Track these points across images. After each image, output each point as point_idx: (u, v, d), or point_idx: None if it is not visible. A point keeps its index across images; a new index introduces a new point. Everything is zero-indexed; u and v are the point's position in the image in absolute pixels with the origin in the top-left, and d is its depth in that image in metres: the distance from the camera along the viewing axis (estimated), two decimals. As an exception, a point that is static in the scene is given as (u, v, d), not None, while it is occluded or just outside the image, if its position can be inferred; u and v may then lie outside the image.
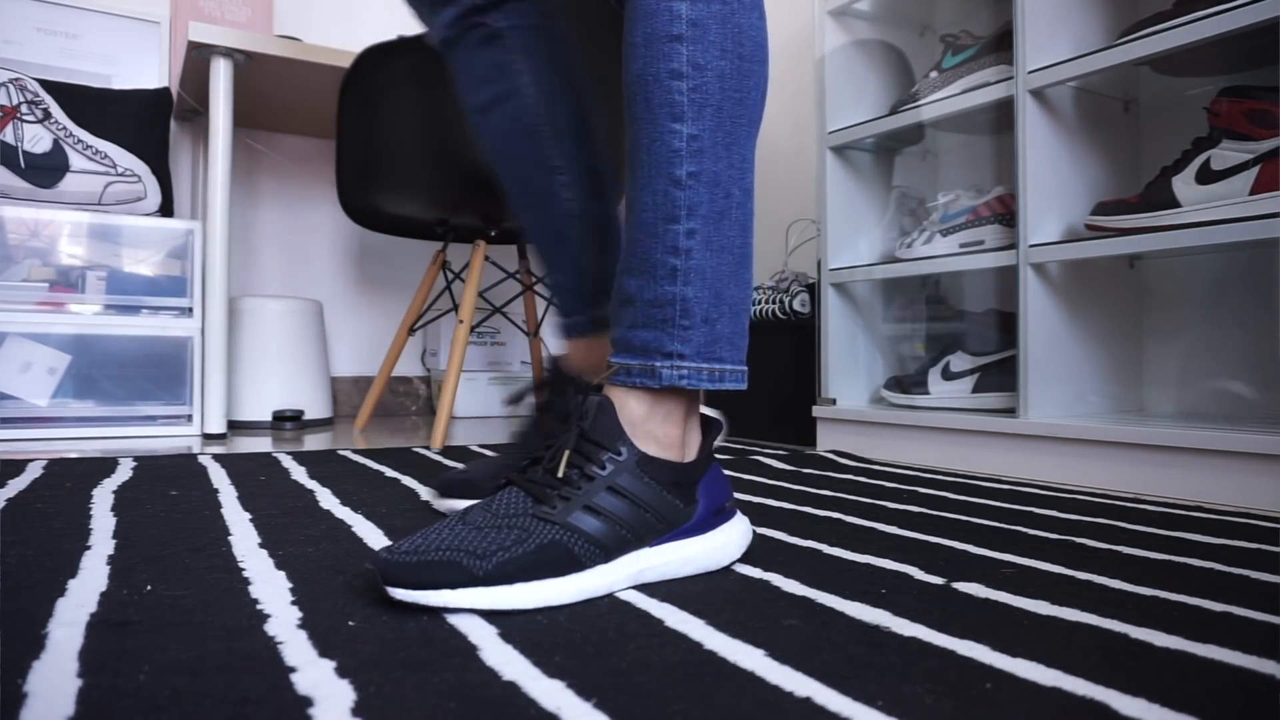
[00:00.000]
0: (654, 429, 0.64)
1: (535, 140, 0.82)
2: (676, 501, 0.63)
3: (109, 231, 1.69)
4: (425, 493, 0.99)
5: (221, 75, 1.65)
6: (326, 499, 0.94)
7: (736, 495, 1.01)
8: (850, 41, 1.61)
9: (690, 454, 0.66)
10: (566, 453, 0.60)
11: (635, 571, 0.61)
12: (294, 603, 0.55)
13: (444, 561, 0.54)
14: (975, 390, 1.38)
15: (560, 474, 0.60)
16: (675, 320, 0.64)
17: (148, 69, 2.04)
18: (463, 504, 0.83)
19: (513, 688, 0.42)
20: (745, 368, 0.68)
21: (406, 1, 0.88)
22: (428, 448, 1.47)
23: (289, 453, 1.35)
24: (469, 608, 0.54)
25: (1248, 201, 1.04)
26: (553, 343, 2.47)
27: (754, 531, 0.79)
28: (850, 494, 1.03)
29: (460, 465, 1.09)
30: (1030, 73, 1.23)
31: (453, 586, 0.54)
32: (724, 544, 0.66)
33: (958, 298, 1.59)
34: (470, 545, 0.55)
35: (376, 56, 1.63)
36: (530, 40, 0.83)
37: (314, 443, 1.61)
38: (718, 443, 0.66)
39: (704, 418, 0.69)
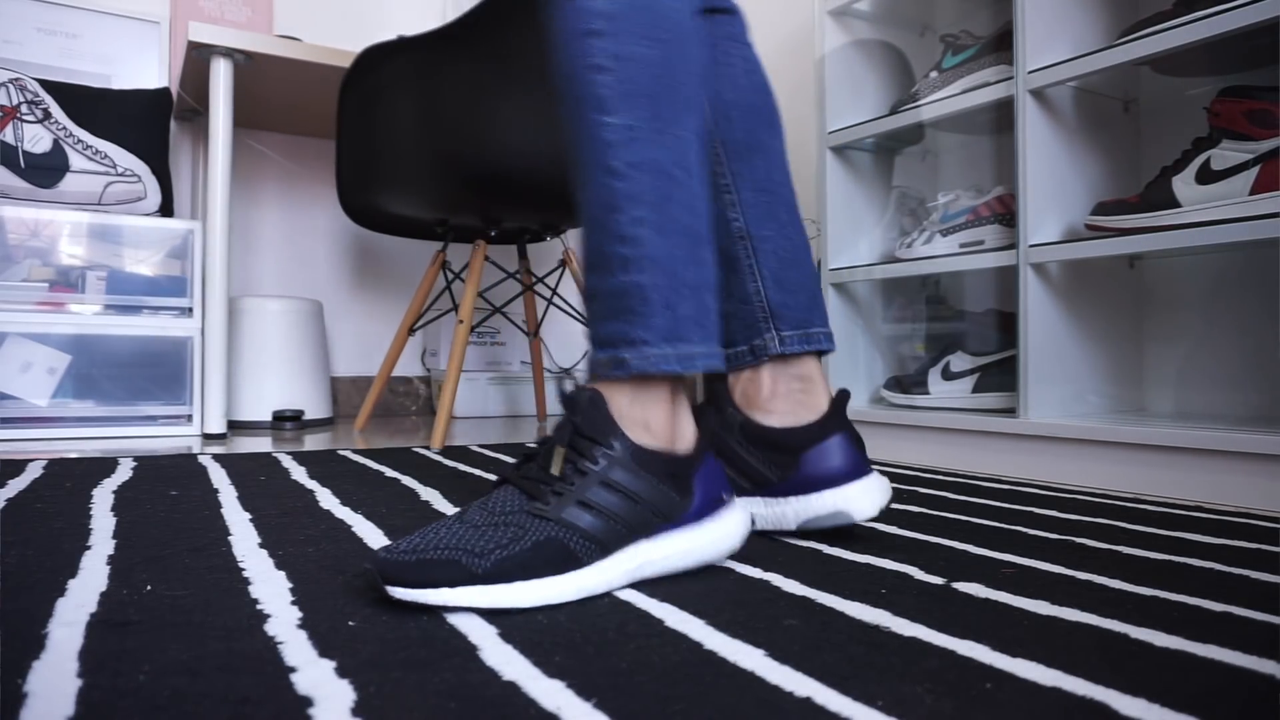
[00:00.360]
0: (641, 418, 0.63)
1: (708, 158, 0.80)
2: (672, 493, 0.63)
3: (109, 231, 1.69)
4: None
5: (221, 75, 1.65)
6: (326, 499, 0.94)
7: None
8: (850, 41, 1.61)
9: (684, 443, 0.66)
10: (560, 449, 0.60)
11: (635, 566, 0.61)
12: (294, 603, 0.55)
13: (443, 560, 0.54)
14: (975, 390, 1.39)
15: (555, 470, 0.60)
16: (635, 308, 0.63)
17: (148, 69, 2.04)
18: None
19: (513, 688, 0.42)
20: (719, 349, 0.67)
21: None
22: (428, 448, 1.47)
23: (289, 453, 1.35)
24: (468, 606, 0.54)
25: (1248, 201, 1.04)
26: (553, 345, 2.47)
27: (754, 529, 0.79)
28: (850, 494, 1.03)
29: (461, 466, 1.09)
30: (1030, 73, 1.23)
31: (452, 585, 0.54)
32: (724, 534, 0.65)
33: (958, 298, 1.59)
34: (468, 544, 0.55)
35: (376, 56, 1.63)
36: (714, 56, 0.82)
37: (314, 443, 1.61)
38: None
39: (702, 407, 0.70)
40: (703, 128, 0.68)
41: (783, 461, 0.74)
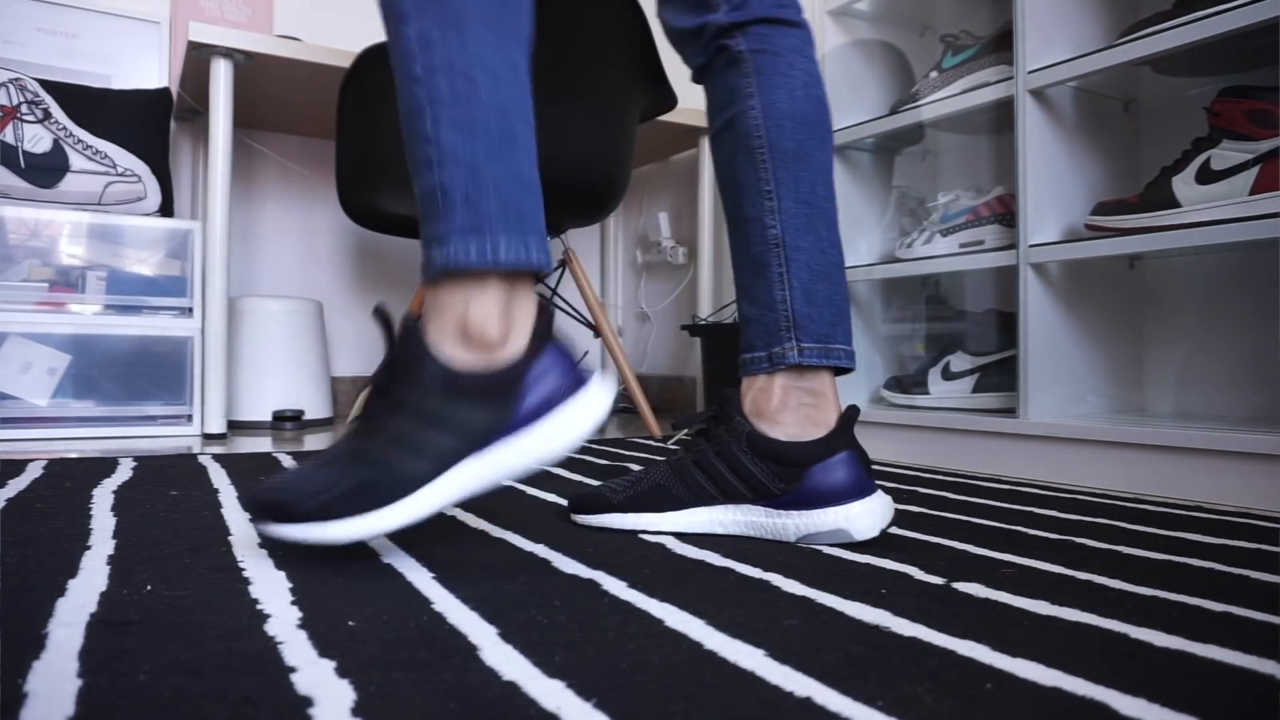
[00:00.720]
0: (457, 322, 0.65)
1: (752, 163, 0.82)
2: (489, 409, 0.64)
3: (109, 231, 1.69)
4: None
5: (221, 75, 1.65)
6: (326, 499, 0.94)
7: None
8: (850, 41, 1.61)
9: (514, 346, 0.66)
10: (369, 388, 0.66)
11: (461, 486, 0.64)
12: (294, 603, 0.55)
13: (276, 501, 0.63)
14: (975, 390, 1.38)
15: (360, 410, 0.66)
16: (437, 207, 0.65)
17: (148, 69, 2.04)
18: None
19: (513, 688, 0.42)
20: (531, 237, 0.67)
21: (671, 43, 0.90)
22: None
23: (289, 453, 1.35)
24: (293, 539, 0.63)
25: (1248, 201, 1.04)
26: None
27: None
28: (850, 494, 1.03)
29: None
30: (1030, 73, 1.23)
31: (280, 522, 0.63)
32: (553, 433, 0.66)
33: (958, 298, 1.59)
34: (302, 486, 0.63)
35: (376, 56, 1.63)
36: (764, 64, 0.83)
37: (314, 443, 1.61)
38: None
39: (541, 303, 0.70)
40: (521, 32, 0.69)
41: (786, 475, 0.75)
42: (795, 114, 0.83)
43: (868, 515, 0.74)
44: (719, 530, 0.78)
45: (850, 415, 0.77)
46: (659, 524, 0.78)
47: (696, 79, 0.91)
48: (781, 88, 0.83)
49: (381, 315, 0.67)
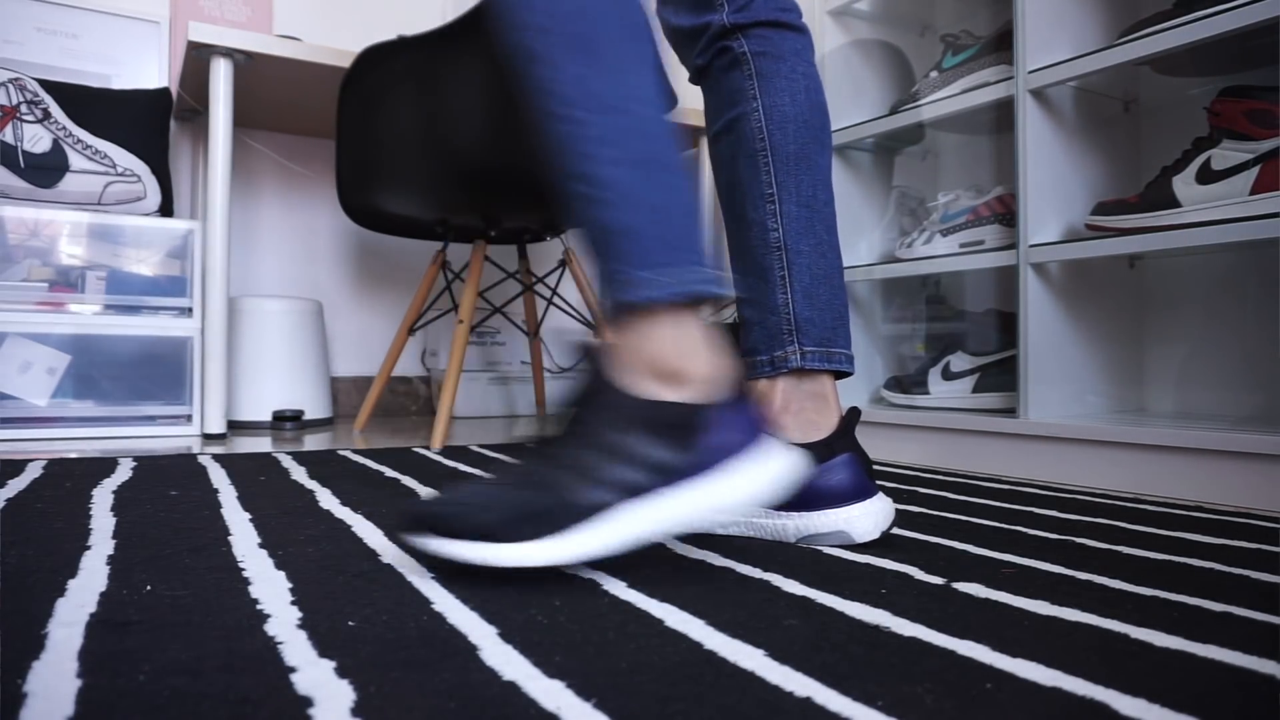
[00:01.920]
0: (647, 360, 0.63)
1: (755, 165, 0.82)
2: (669, 448, 0.61)
3: (109, 231, 1.69)
4: None
5: (221, 75, 1.65)
6: (326, 499, 0.94)
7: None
8: (850, 41, 1.61)
9: (698, 386, 0.63)
10: (563, 413, 0.63)
11: (625, 534, 0.60)
12: (294, 603, 0.55)
13: (450, 514, 0.59)
14: (975, 390, 1.38)
15: (556, 433, 0.63)
16: (621, 245, 0.64)
17: (148, 69, 2.04)
18: None
19: (513, 688, 0.42)
20: (707, 269, 0.66)
21: (670, 42, 0.88)
22: (428, 448, 1.47)
23: (289, 453, 1.35)
24: (462, 560, 0.60)
25: (1248, 201, 1.04)
26: (553, 345, 2.47)
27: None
28: (850, 494, 1.03)
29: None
30: (1030, 73, 1.23)
31: (438, 535, 0.59)
32: (730, 490, 0.62)
33: (958, 298, 1.59)
34: (464, 501, 0.60)
35: (376, 56, 1.63)
36: (767, 67, 0.83)
37: (314, 443, 1.61)
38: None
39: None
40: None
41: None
42: (798, 117, 0.83)
43: (868, 518, 0.74)
44: (720, 530, 0.78)
45: (852, 418, 0.77)
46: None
47: (695, 80, 0.90)
48: (784, 91, 0.83)
49: (583, 348, 0.64)
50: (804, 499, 0.74)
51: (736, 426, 0.62)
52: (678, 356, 0.62)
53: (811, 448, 0.75)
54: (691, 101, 2.41)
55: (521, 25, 0.65)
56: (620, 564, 0.67)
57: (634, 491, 0.59)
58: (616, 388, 0.61)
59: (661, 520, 0.60)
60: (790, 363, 0.79)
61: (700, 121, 2.15)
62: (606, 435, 0.59)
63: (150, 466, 1.17)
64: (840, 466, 0.74)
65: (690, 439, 0.61)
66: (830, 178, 0.85)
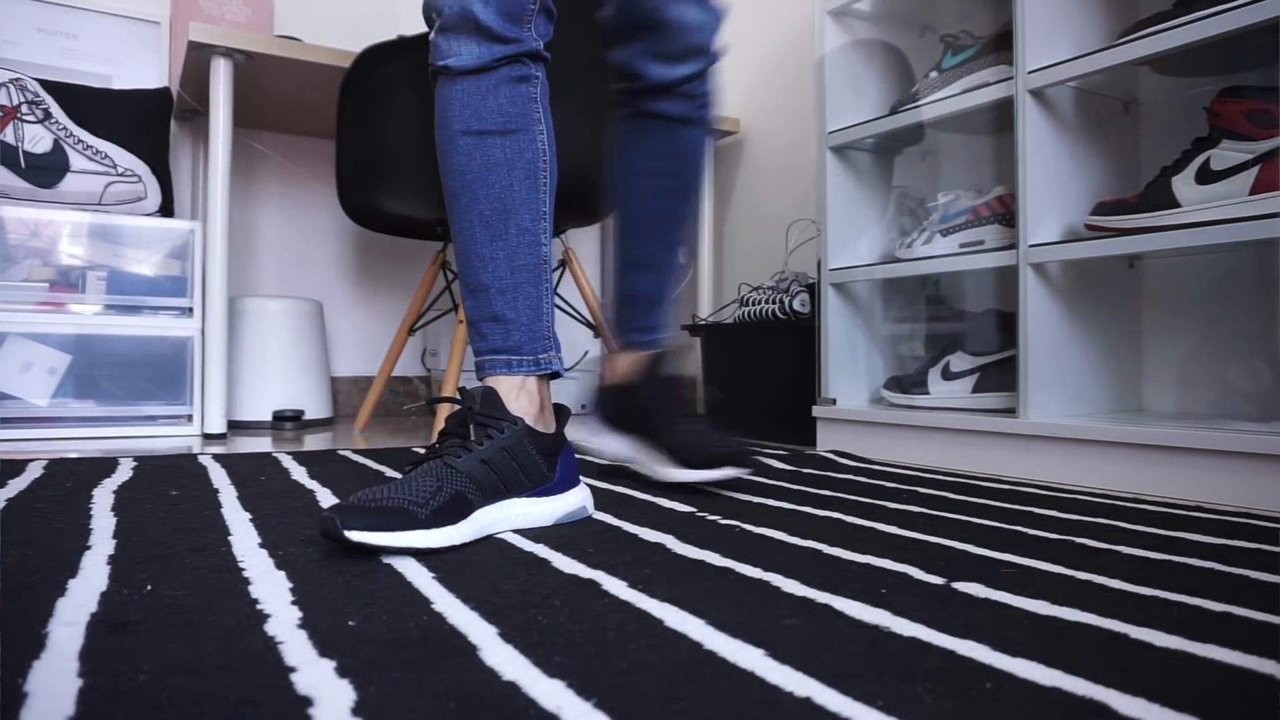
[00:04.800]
0: (522, 407, 0.86)
1: (534, 184, 0.90)
2: (544, 466, 0.83)
3: (109, 231, 1.69)
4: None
5: (221, 75, 1.65)
6: (326, 499, 0.94)
7: (737, 496, 1.01)
8: (850, 41, 1.61)
9: (550, 428, 0.88)
10: (472, 423, 0.80)
11: (502, 517, 0.79)
12: (294, 603, 0.55)
13: (393, 508, 0.68)
14: (975, 390, 1.38)
15: (473, 436, 0.79)
16: (491, 331, 0.90)
17: (148, 69, 2.05)
18: (404, 538, 0.71)
19: (513, 688, 0.42)
20: (548, 353, 0.90)
21: (441, 30, 0.91)
22: (428, 448, 1.47)
23: (289, 453, 1.35)
24: (407, 548, 0.68)
25: (1248, 201, 1.04)
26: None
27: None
28: (850, 494, 1.03)
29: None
30: (1030, 73, 1.23)
31: (399, 529, 0.68)
32: (577, 503, 0.87)
33: (958, 298, 1.59)
34: (409, 495, 0.70)
35: (376, 56, 1.63)
36: (546, 95, 0.92)
37: (314, 443, 1.61)
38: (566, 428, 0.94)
39: (556, 405, 0.90)
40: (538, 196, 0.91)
41: (550, 464, 0.86)
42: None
43: (588, 492, 0.91)
44: (499, 529, 0.80)
45: (566, 412, 0.92)
46: (460, 536, 0.73)
47: (455, 72, 0.91)
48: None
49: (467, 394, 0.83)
50: (560, 482, 0.87)
51: (572, 464, 0.88)
52: (538, 407, 0.87)
53: (558, 436, 0.89)
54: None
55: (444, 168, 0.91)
56: (620, 564, 0.67)
57: (516, 490, 0.81)
58: (510, 414, 0.81)
59: (528, 515, 0.82)
60: (554, 365, 0.90)
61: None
62: (509, 444, 0.80)
63: (150, 466, 1.17)
64: (570, 453, 0.89)
65: (552, 464, 0.85)
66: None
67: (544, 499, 0.83)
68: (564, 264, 2.01)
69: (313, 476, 1.10)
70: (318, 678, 0.42)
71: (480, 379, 0.90)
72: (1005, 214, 1.36)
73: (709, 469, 1.00)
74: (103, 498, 0.92)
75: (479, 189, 0.89)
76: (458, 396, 0.85)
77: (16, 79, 1.71)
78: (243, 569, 0.63)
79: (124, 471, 1.12)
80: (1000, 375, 1.36)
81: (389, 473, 1.15)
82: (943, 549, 0.74)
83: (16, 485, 0.99)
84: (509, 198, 0.89)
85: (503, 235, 0.89)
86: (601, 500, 0.98)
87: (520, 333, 0.89)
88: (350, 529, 0.66)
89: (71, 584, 0.58)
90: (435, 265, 1.86)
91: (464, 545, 0.73)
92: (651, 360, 1.08)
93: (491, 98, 0.89)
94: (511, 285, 0.89)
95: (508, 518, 0.79)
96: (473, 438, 0.79)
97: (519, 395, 0.87)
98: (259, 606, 0.54)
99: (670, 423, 1.05)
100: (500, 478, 0.79)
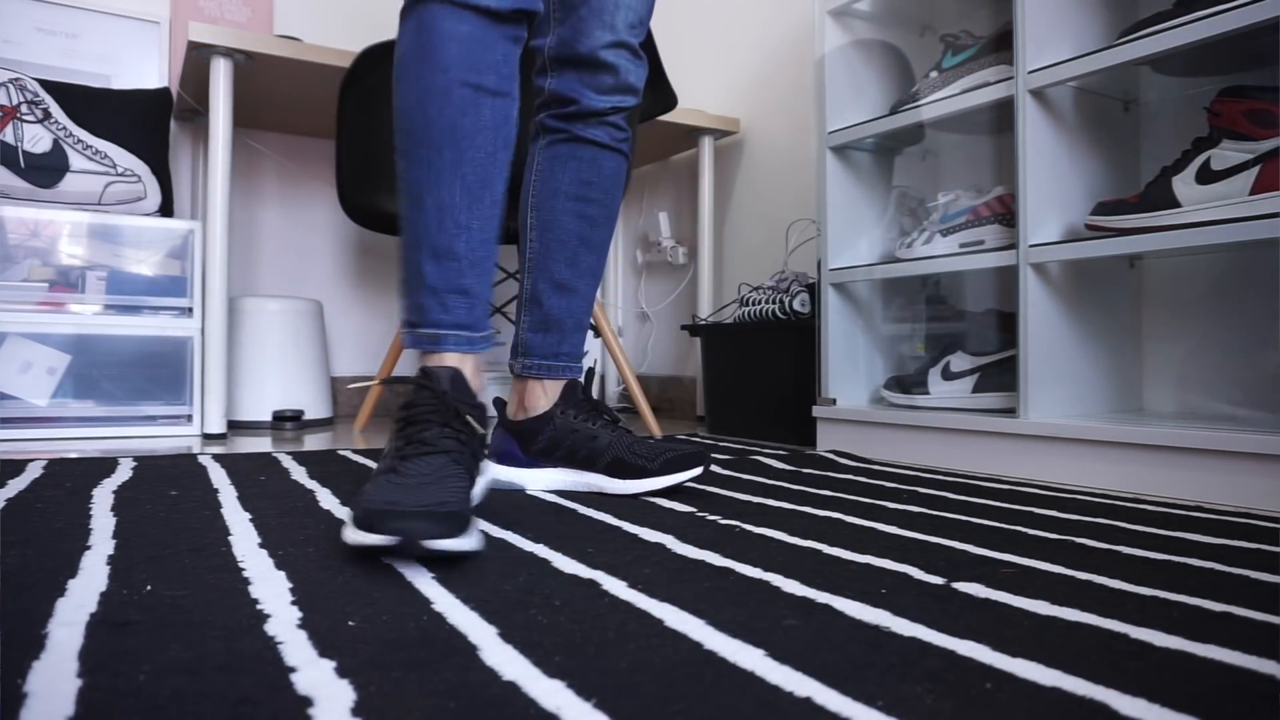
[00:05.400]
0: (478, 385, 0.88)
1: (508, 157, 0.90)
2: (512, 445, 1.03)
3: (109, 231, 1.69)
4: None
5: (221, 75, 1.65)
6: (326, 499, 0.94)
7: (736, 495, 1.01)
8: (850, 41, 1.61)
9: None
10: (464, 415, 0.81)
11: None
12: (294, 603, 0.55)
13: (448, 513, 0.65)
14: (975, 390, 1.38)
15: (480, 430, 0.82)
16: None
17: (148, 69, 2.04)
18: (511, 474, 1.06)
19: (513, 688, 0.42)
20: (490, 330, 0.94)
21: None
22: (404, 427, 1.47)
23: (289, 453, 1.35)
24: (459, 550, 0.65)
25: (1248, 201, 1.04)
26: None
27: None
28: (850, 494, 1.03)
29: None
30: (1030, 73, 1.23)
31: (454, 535, 0.65)
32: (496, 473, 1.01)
33: (958, 298, 1.59)
34: (445, 496, 0.68)
35: (377, 56, 1.63)
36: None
37: (314, 443, 1.61)
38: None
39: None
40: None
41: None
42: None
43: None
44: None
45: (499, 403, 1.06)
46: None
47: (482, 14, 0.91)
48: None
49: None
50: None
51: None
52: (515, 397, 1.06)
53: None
54: (691, 100, 2.40)
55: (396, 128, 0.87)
56: (620, 564, 0.67)
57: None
58: (481, 405, 0.84)
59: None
60: (495, 342, 0.96)
61: (696, 121, 2.15)
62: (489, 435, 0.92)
63: (150, 466, 1.17)
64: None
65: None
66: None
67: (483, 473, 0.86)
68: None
69: (313, 477, 1.10)
70: (318, 678, 0.42)
71: (427, 352, 0.84)
72: (1005, 214, 1.36)
73: (665, 475, 0.99)
74: (103, 498, 0.92)
75: (466, 149, 0.83)
76: (419, 378, 0.82)
77: (16, 79, 1.71)
78: (243, 569, 0.63)
79: (124, 471, 1.12)
80: (1000, 375, 1.36)
81: (389, 473, 1.15)
82: (943, 549, 0.74)
83: (16, 485, 0.99)
84: (490, 165, 0.85)
85: (479, 203, 0.85)
86: (601, 500, 0.98)
87: (481, 308, 0.86)
88: (429, 538, 0.62)
89: (71, 584, 0.58)
90: (435, 265, 1.86)
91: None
92: (569, 388, 1.08)
93: (491, 53, 0.83)
94: (482, 258, 0.85)
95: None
96: (453, 424, 0.78)
97: (475, 374, 0.84)
98: (259, 606, 0.54)
99: (604, 442, 1.03)
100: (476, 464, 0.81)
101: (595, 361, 2.45)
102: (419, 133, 0.83)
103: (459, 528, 0.64)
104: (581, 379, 1.11)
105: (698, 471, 1.01)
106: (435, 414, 0.77)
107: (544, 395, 1.08)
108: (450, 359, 0.83)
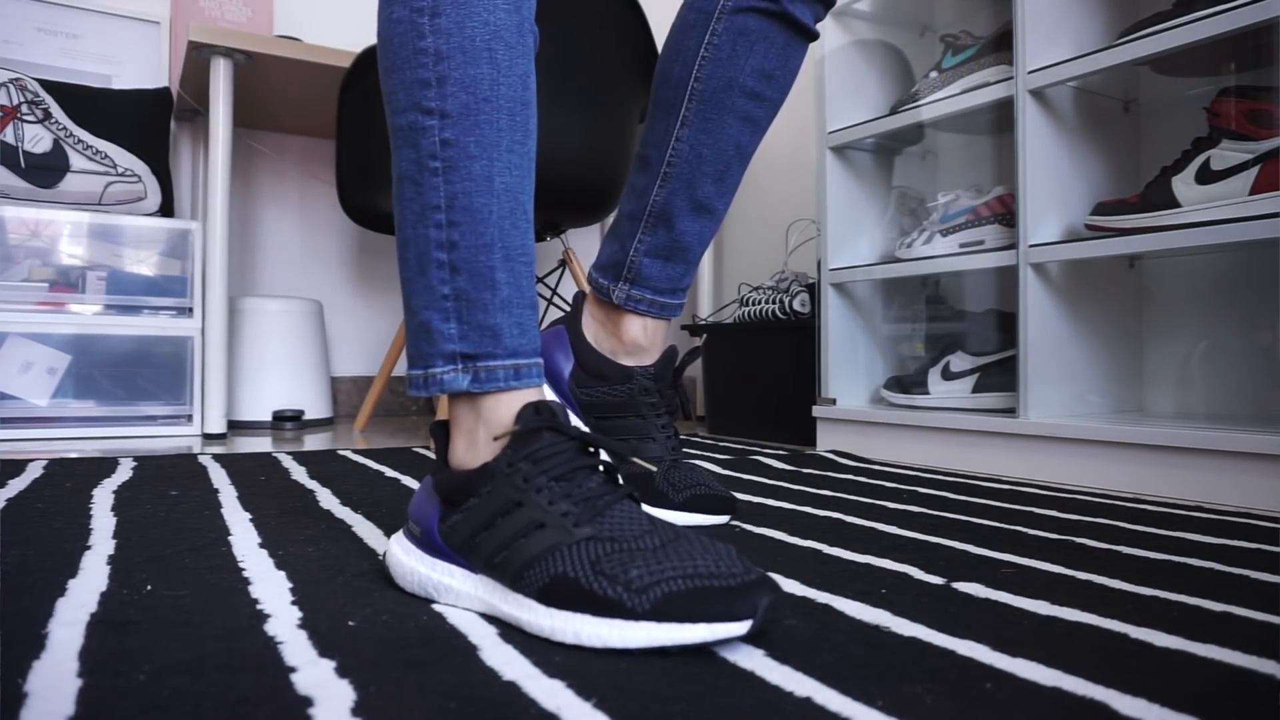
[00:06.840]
0: None
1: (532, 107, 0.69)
2: None
3: (109, 231, 1.69)
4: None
5: (221, 75, 1.65)
6: (326, 499, 0.94)
7: (737, 495, 1.01)
8: (850, 41, 1.61)
9: None
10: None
11: None
12: (294, 603, 0.55)
13: (714, 590, 0.48)
14: (975, 390, 1.38)
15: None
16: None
17: (148, 69, 2.04)
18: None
19: (513, 688, 0.42)
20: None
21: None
22: (428, 448, 1.47)
23: (289, 453, 1.35)
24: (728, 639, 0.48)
25: (1248, 201, 1.04)
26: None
27: (738, 529, 0.79)
28: (850, 494, 1.03)
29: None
30: (1030, 73, 1.23)
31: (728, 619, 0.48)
32: None
33: (958, 298, 1.59)
34: (710, 568, 0.50)
35: (377, 56, 1.62)
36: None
37: (314, 443, 1.61)
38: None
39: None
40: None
41: None
42: None
43: None
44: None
45: None
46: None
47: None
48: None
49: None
50: None
51: None
52: None
53: None
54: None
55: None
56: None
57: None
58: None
59: None
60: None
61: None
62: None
63: (150, 466, 1.17)
64: None
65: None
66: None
67: None
68: (564, 264, 2.01)
69: (313, 477, 1.10)
70: (318, 678, 0.42)
71: (494, 391, 0.60)
72: (1005, 214, 1.36)
73: (685, 511, 0.84)
74: (103, 498, 0.92)
75: (532, 113, 0.64)
76: (546, 421, 0.58)
77: (16, 79, 1.71)
78: (243, 569, 0.63)
79: (124, 471, 1.12)
80: (1000, 375, 1.36)
81: (389, 473, 1.15)
82: (943, 549, 0.74)
83: (16, 485, 0.99)
84: (529, 163, 0.65)
85: (532, 185, 0.66)
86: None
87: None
88: (768, 611, 0.48)
89: (71, 584, 0.58)
90: (435, 265, 1.86)
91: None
92: (668, 355, 0.89)
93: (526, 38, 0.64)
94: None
95: None
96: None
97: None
98: (259, 606, 0.54)
99: (652, 453, 0.86)
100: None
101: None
102: (484, 86, 0.60)
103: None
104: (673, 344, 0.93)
105: (721, 520, 0.85)
106: (586, 456, 0.58)
107: (644, 336, 0.89)
108: (530, 395, 0.60)
